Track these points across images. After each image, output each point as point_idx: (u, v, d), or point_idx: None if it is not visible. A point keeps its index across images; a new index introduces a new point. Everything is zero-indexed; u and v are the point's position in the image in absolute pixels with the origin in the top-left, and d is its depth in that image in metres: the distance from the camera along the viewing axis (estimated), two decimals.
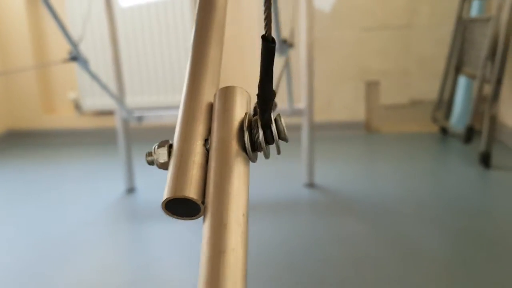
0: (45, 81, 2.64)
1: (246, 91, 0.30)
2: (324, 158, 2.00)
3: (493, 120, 1.83)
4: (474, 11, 2.16)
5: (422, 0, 2.30)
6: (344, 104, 2.44)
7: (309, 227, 1.42)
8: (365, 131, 2.46)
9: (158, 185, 1.77)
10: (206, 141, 0.28)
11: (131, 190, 1.79)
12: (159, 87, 2.44)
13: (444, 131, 2.30)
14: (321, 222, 1.45)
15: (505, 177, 1.73)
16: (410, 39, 2.35)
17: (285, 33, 1.54)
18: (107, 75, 1.95)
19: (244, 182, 0.25)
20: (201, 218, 0.25)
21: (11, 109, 2.65)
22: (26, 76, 2.59)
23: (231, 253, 0.21)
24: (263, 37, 0.26)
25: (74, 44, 1.40)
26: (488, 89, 1.88)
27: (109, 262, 1.29)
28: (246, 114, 0.29)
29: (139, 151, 2.13)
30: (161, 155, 0.28)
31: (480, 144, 1.85)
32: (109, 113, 2.49)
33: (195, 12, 0.35)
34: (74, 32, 2.28)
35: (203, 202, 0.25)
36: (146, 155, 0.29)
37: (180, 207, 0.25)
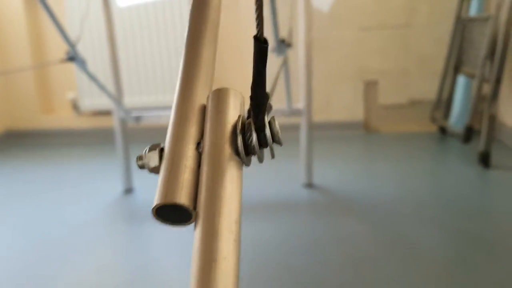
0: (43, 81, 2.63)
1: (240, 93, 0.30)
2: (323, 158, 2.00)
3: (492, 120, 1.82)
4: (473, 10, 2.16)
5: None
6: (343, 104, 2.44)
7: (308, 227, 1.42)
8: (364, 131, 2.45)
9: (156, 186, 1.76)
10: (199, 144, 0.27)
11: (129, 190, 1.78)
12: (157, 87, 2.43)
13: (443, 130, 2.30)
14: (320, 222, 1.44)
15: (505, 176, 1.73)
16: (409, 38, 2.34)
17: (283, 33, 1.54)
18: (105, 75, 1.94)
19: (237, 187, 0.25)
20: (193, 224, 0.25)
21: (9, 109, 2.64)
22: (24, 76, 2.58)
23: (222, 262, 0.20)
24: (255, 37, 0.25)
25: (71, 44, 1.39)
26: (487, 88, 1.88)
27: (108, 263, 1.28)
28: (239, 116, 0.28)
29: (137, 151, 2.11)
30: (152, 159, 0.27)
31: (479, 144, 1.85)
32: (107, 113, 2.48)
33: (190, 10, 0.34)
34: (72, 32, 2.28)
35: (195, 208, 0.24)
36: (137, 158, 0.28)
37: (171, 212, 0.25)
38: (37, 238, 1.44)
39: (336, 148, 2.23)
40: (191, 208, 0.24)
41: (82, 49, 1.91)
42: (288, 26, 1.58)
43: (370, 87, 2.43)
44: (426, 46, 2.34)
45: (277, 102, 1.42)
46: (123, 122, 1.74)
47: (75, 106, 2.58)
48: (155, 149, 0.27)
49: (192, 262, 0.22)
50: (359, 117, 2.44)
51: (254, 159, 0.28)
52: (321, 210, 1.53)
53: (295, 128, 1.76)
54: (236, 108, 0.28)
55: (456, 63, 2.21)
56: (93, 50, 2.38)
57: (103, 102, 2.40)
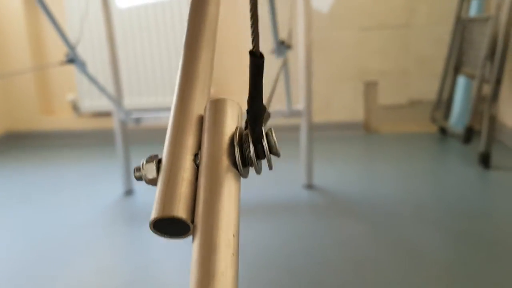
0: (43, 83, 2.63)
1: (237, 103, 0.30)
2: (323, 159, 1.99)
3: (493, 120, 1.82)
4: (473, 11, 2.15)
5: (420, 0, 2.29)
6: (343, 105, 2.44)
7: (308, 229, 1.42)
8: (364, 131, 2.45)
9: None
10: (196, 156, 0.27)
11: (129, 192, 1.78)
12: (157, 88, 2.43)
13: (443, 131, 2.29)
14: (320, 223, 1.44)
15: (505, 177, 1.72)
16: (409, 38, 2.34)
17: (283, 34, 1.54)
18: (104, 76, 1.94)
19: (234, 200, 0.25)
20: (191, 236, 0.25)
21: (9, 110, 2.64)
22: (24, 77, 2.58)
23: (221, 277, 0.20)
24: (251, 52, 0.25)
25: (71, 47, 1.39)
26: (487, 89, 1.88)
27: (107, 264, 1.28)
28: (237, 128, 0.28)
29: (137, 152, 2.12)
30: (150, 171, 0.27)
31: (479, 144, 1.84)
32: (107, 114, 2.48)
33: (187, 19, 0.34)
34: (72, 34, 2.28)
35: (192, 221, 0.24)
36: (134, 170, 0.28)
37: (169, 224, 0.25)
38: (37, 240, 1.44)
39: (336, 149, 2.23)
40: (188, 221, 0.24)
41: (82, 50, 1.91)
42: (288, 28, 1.58)
43: (370, 87, 2.43)
44: (426, 47, 2.34)
45: (277, 103, 1.42)
46: (123, 124, 1.74)
47: (75, 107, 2.58)
48: (152, 161, 0.27)
49: (191, 276, 0.22)
50: (359, 117, 2.44)
51: (251, 170, 0.28)
52: (321, 211, 1.53)
53: (295, 128, 1.76)
54: (234, 119, 0.28)
55: (456, 63, 2.20)
56: (93, 51, 2.38)
57: (103, 103, 2.40)
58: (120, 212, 1.65)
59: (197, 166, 0.26)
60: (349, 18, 2.33)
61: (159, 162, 0.27)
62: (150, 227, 0.24)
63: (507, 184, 1.66)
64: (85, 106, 2.51)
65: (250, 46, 0.25)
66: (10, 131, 2.65)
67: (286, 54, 1.55)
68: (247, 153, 0.27)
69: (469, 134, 1.90)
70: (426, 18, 2.31)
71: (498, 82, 1.81)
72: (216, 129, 0.27)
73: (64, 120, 2.63)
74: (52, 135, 2.62)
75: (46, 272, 1.25)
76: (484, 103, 1.90)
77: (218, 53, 0.35)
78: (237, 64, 2.41)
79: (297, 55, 1.65)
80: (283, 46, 1.49)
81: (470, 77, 2.07)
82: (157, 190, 0.25)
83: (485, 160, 1.81)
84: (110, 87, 1.70)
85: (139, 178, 0.28)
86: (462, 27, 2.17)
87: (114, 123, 1.75)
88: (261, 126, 0.27)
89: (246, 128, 0.28)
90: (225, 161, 0.26)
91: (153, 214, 0.24)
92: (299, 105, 1.69)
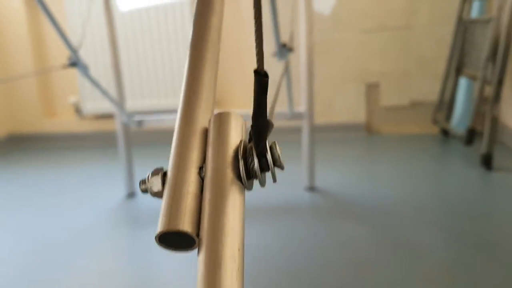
0: (45, 85, 2.64)
1: (241, 116, 0.30)
2: (324, 161, 2.00)
3: (495, 122, 1.82)
4: (474, 12, 2.15)
5: (421, 1, 2.29)
6: (344, 106, 2.44)
7: (310, 231, 1.42)
8: (366, 133, 2.45)
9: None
10: (201, 168, 0.27)
11: (131, 194, 1.78)
12: (159, 90, 2.44)
13: (445, 132, 2.29)
14: (322, 226, 1.44)
15: (507, 178, 1.72)
16: (410, 40, 2.34)
17: (284, 37, 1.54)
18: (107, 78, 1.94)
19: (239, 213, 0.25)
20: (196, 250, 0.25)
21: (11, 113, 2.65)
22: (26, 80, 2.59)
23: None
24: (255, 71, 0.26)
25: (73, 50, 1.39)
26: (489, 90, 1.88)
27: (110, 267, 1.29)
28: (241, 141, 0.28)
29: (140, 155, 2.13)
30: (155, 184, 0.27)
31: (481, 146, 1.84)
32: (109, 116, 2.48)
33: (190, 33, 0.34)
34: (74, 37, 2.28)
35: (197, 234, 0.25)
36: (140, 183, 0.28)
37: (174, 237, 0.25)
38: (39, 242, 1.44)
39: (338, 150, 2.23)
40: (194, 234, 0.24)
41: (84, 53, 1.91)
42: (290, 30, 1.58)
43: (371, 89, 2.43)
44: (427, 48, 2.34)
45: (278, 105, 1.43)
46: (125, 127, 1.75)
47: (77, 110, 2.59)
48: (157, 174, 0.27)
49: None
50: (361, 119, 2.44)
51: (255, 182, 0.28)
52: (323, 213, 1.54)
53: (297, 130, 1.76)
54: (238, 132, 0.28)
55: (457, 64, 2.20)
56: (95, 54, 2.38)
57: (105, 105, 2.41)
58: (122, 214, 1.66)
59: (202, 178, 0.27)
60: (351, 20, 2.33)
61: (164, 175, 0.28)
62: (155, 240, 0.25)
63: (509, 185, 1.66)
64: (87, 109, 2.52)
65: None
66: (12, 134, 2.66)
67: (288, 57, 1.55)
68: (251, 166, 0.27)
69: (471, 136, 1.90)
70: (427, 19, 2.31)
71: (500, 83, 1.81)
72: (220, 142, 0.27)
73: (66, 123, 2.63)
74: (55, 137, 2.63)
75: (48, 275, 1.25)
76: (486, 105, 1.90)
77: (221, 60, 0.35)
78: (236, 60, 2.42)
79: (299, 57, 1.65)
80: (284, 49, 1.49)
81: (472, 78, 2.07)
82: (162, 204, 0.25)
83: (487, 162, 1.81)
84: (112, 90, 1.71)
85: (144, 191, 0.28)
86: (463, 28, 2.17)
87: (116, 126, 1.76)
88: (265, 140, 0.27)
89: (250, 141, 0.29)
90: (229, 174, 0.26)
91: (159, 228, 0.24)
92: (301, 107, 1.69)
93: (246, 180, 0.27)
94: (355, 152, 2.23)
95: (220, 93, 2.44)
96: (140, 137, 2.38)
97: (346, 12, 2.32)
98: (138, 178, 1.83)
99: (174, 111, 2.36)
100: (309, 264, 1.21)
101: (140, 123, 1.75)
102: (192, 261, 1.28)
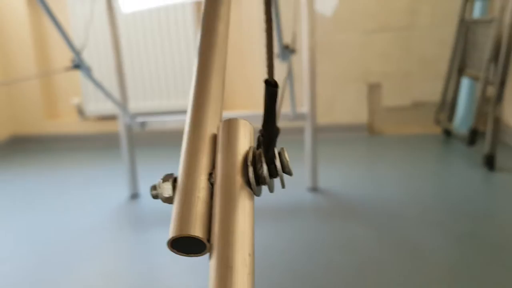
0: (48, 87, 2.65)
1: (250, 123, 0.30)
2: (327, 161, 2.00)
3: (497, 122, 1.82)
4: (476, 12, 2.15)
5: (423, 1, 2.29)
6: (346, 107, 2.44)
7: (312, 231, 1.42)
8: (368, 133, 2.46)
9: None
10: (211, 174, 0.28)
11: (135, 195, 1.79)
12: (162, 92, 2.45)
13: (447, 133, 2.29)
14: (324, 226, 1.45)
15: (510, 179, 1.72)
16: (412, 40, 2.34)
17: (287, 39, 1.54)
18: (110, 80, 1.95)
19: (249, 219, 0.25)
20: (208, 254, 0.25)
21: (14, 114, 2.66)
22: (29, 81, 2.60)
23: None
24: (266, 81, 0.26)
25: (77, 52, 1.40)
26: (491, 90, 1.88)
27: (113, 268, 1.29)
28: (250, 148, 0.29)
29: (143, 156, 2.14)
30: (166, 189, 0.28)
31: (484, 146, 1.85)
32: (112, 117, 2.49)
33: (197, 39, 0.35)
34: (77, 39, 2.29)
35: (208, 240, 0.25)
36: (151, 188, 0.29)
37: (185, 242, 0.25)
38: (42, 244, 1.45)
39: (340, 151, 2.24)
40: (205, 239, 0.25)
41: (87, 55, 1.92)
42: (292, 32, 1.59)
43: (373, 89, 2.43)
44: (429, 48, 2.34)
45: (281, 105, 1.43)
46: (128, 128, 1.76)
47: (79, 111, 2.60)
48: (168, 180, 0.28)
49: None
50: (363, 119, 2.45)
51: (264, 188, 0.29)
52: (325, 214, 1.54)
53: (299, 131, 1.77)
54: (246, 138, 0.29)
55: (460, 65, 2.21)
56: (98, 55, 2.39)
57: (108, 106, 2.42)
58: (125, 216, 1.66)
59: (211, 184, 0.27)
60: (352, 21, 2.34)
61: (174, 181, 0.28)
62: (167, 245, 0.25)
63: None
64: (89, 110, 2.52)
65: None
66: (15, 135, 2.67)
67: (291, 59, 1.56)
68: (260, 172, 0.27)
69: (474, 136, 1.90)
70: (429, 19, 2.31)
71: (502, 84, 1.82)
72: (230, 149, 0.28)
73: (69, 124, 2.64)
74: (57, 139, 2.64)
75: (51, 276, 1.26)
76: (489, 105, 1.90)
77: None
78: (238, 62, 2.42)
79: (301, 58, 1.66)
80: (287, 51, 1.50)
81: (474, 78, 2.07)
82: (173, 209, 0.26)
83: (489, 162, 1.81)
84: (115, 92, 1.71)
85: (155, 197, 0.29)
86: (465, 29, 2.17)
87: (119, 127, 1.76)
88: (274, 147, 0.28)
89: (258, 146, 0.29)
90: (239, 180, 0.27)
91: (171, 233, 0.25)
92: (303, 108, 1.69)
93: (255, 186, 0.27)
94: (358, 153, 2.24)
95: None
96: (143, 138, 2.39)
97: (348, 12, 2.33)
98: (141, 179, 1.84)
99: (176, 112, 2.37)
100: (312, 264, 1.22)
101: (143, 124, 1.75)
102: (195, 263, 1.29)
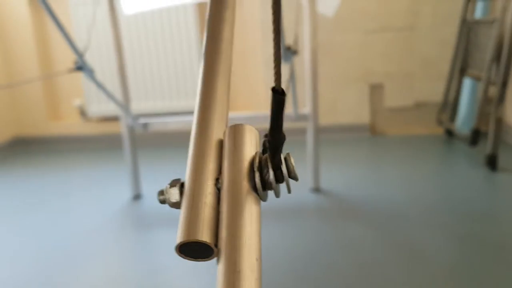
0: (50, 88, 2.66)
1: (255, 129, 0.31)
2: (329, 162, 2.00)
3: (499, 122, 1.82)
4: (478, 13, 2.15)
5: (424, 2, 2.29)
6: (348, 107, 2.44)
7: (315, 232, 1.43)
8: (370, 133, 2.46)
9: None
10: (217, 180, 0.28)
11: (137, 196, 1.80)
12: (164, 93, 2.45)
13: (449, 133, 2.29)
14: (327, 227, 1.45)
15: None
16: (413, 41, 2.34)
17: (288, 40, 1.55)
18: (112, 81, 1.96)
19: (256, 224, 0.26)
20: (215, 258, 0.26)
21: (17, 116, 2.67)
22: (31, 83, 2.60)
23: None
24: (273, 89, 0.26)
25: (79, 54, 1.40)
26: (493, 91, 1.88)
27: (116, 269, 1.30)
28: (256, 153, 0.29)
29: (145, 157, 2.14)
30: (173, 195, 0.28)
31: (486, 147, 1.85)
32: (114, 119, 2.50)
33: (203, 45, 0.35)
34: (79, 41, 2.30)
35: (216, 245, 0.25)
36: (158, 193, 0.29)
37: (193, 247, 0.26)
38: (45, 245, 1.46)
39: (342, 151, 2.24)
40: (212, 244, 0.25)
41: (89, 56, 1.92)
42: (294, 33, 1.59)
43: (375, 90, 2.43)
44: (430, 48, 2.34)
45: None
46: (130, 129, 1.76)
47: (82, 112, 2.60)
48: (175, 185, 0.28)
49: None
50: (365, 120, 2.45)
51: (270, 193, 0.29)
52: (328, 214, 1.54)
53: (302, 131, 1.77)
54: (252, 144, 0.29)
55: (462, 65, 2.21)
56: (100, 57, 2.40)
57: (110, 108, 2.42)
58: (128, 216, 1.67)
59: (218, 189, 0.28)
60: (354, 21, 2.34)
61: (182, 186, 0.28)
62: (176, 250, 0.25)
63: None
64: (92, 111, 2.53)
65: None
66: (18, 137, 2.68)
67: (293, 60, 1.56)
68: (266, 177, 0.28)
69: (476, 136, 1.90)
70: (430, 20, 2.31)
71: (504, 84, 1.82)
72: (236, 154, 0.28)
73: (71, 125, 2.65)
74: (60, 140, 2.65)
75: (54, 277, 1.26)
76: (491, 105, 1.90)
77: None
78: (241, 63, 2.43)
79: (303, 59, 1.66)
80: (289, 52, 1.50)
81: (476, 79, 2.07)
82: (181, 215, 0.26)
83: (491, 162, 1.81)
84: (117, 93, 1.72)
85: (163, 202, 0.29)
86: (467, 29, 2.17)
87: (122, 129, 1.77)
88: (280, 153, 0.28)
89: (263, 151, 0.29)
90: (245, 185, 0.27)
91: (179, 239, 0.25)
92: (306, 109, 1.70)
93: (261, 192, 0.28)
94: (360, 153, 2.24)
95: None
96: (145, 139, 2.39)
97: (349, 13, 2.33)
98: (143, 180, 1.84)
99: (178, 113, 2.37)
100: (314, 265, 1.22)
101: (145, 125, 1.76)
102: (198, 264, 1.29)
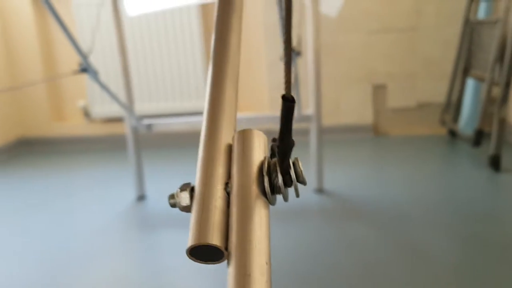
0: (54, 90, 2.67)
1: (263, 134, 0.31)
2: (332, 162, 2.01)
3: (503, 123, 1.82)
4: (481, 13, 2.15)
5: (427, 2, 2.29)
6: (351, 108, 2.45)
7: (318, 232, 1.43)
8: (373, 134, 2.46)
9: (169, 193, 1.78)
10: (227, 184, 0.29)
11: (141, 197, 1.80)
12: (168, 94, 2.46)
13: (452, 133, 2.29)
14: (330, 227, 1.45)
15: None
16: (416, 41, 2.34)
17: (292, 41, 1.55)
18: (116, 82, 1.97)
19: (265, 228, 0.26)
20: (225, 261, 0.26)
21: (21, 117, 2.68)
22: (35, 85, 2.62)
23: None
24: (283, 97, 0.27)
25: (84, 56, 1.41)
26: (497, 91, 1.88)
27: (120, 271, 1.30)
28: (265, 158, 0.29)
29: (149, 158, 2.15)
30: (183, 198, 0.28)
31: (489, 147, 1.84)
32: (118, 120, 2.51)
33: (211, 51, 0.36)
34: (83, 42, 2.31)
35: (226, 248, 0.26)
36: (169, 197, 0.30)
37: (203, 250, 0.26)
38: (49, 246, 1.46)
39: (345, 152, 2.24)
40: (223, 248, 0.26)
41: (93, 57, 1.93)
42: (297, 34, 1.59)
43: (378, 90, 2.44)
44: (433, 49, 2.34)
45: None
46: (134, 130, 1.77)
47: (86, 113, 2.61)
48: (185, 189, 0.29)
49: None
50: (368, 120, 2.45)
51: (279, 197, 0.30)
52: (331, 215, 1.55)
53: (305, 132, 1.77)
54: (261, 148, 0.30)
55: (465, 66, 2.20)
56: (104, 58, 2.41)
57: (114, 109, 2.43)
58: (132, 217, 1.68)
59: (228, 194, 0.28)
60: (357, 22, 2.34)
61: (192, 190, 0.29)
62: (186, 254, 0.26)
63: None
64: (96, 112, 2.54)
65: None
66: (22, 138, 2.69)
67: (296, 61, 1.56)
68: (275, 182, 0.28)
69: (479, 137, 1.90)
70: (433, 20, 2.31)
71: (507, 84, 1.81)
72: (245, 159, 0.29)
73: (75, 126, 2.66)
74: (64, 141, 2.66)
75: (58, 278, 1.27)
76: (494, 106, 1.90)
77: None
78: (244, 64, 2.43)
79: (306, 60, 1.66)
80: (292, 53, 1.50)
81: (479, 79, 2.07)
82: (191, 218, 0.27)
83: (495, 163, 1.81)
84: (121, 94, 1.73)
85: (173, 205, 0.30)
86: (470, 29, 2.17)
87: (126, 130, 1.77)
88: (289, 158, 0.29)
89: (272, 155, 0.30)
90: (255, 190, 0.28)
91: (189, 242, 0.25)
92: (309, 109, 1.70)
93: (270, 196, 0.28)
94: (363, 154, 2.24)
95: None
96: (149, 140, 2.40)
97: (352, 13, 2.33)
98: (147, 181, 1.85)
99: (182, 114, 2.38)
100: (317, 265, 1.22)
101: (149, 126, 1.77)
102: (202, 266, 1.30)
